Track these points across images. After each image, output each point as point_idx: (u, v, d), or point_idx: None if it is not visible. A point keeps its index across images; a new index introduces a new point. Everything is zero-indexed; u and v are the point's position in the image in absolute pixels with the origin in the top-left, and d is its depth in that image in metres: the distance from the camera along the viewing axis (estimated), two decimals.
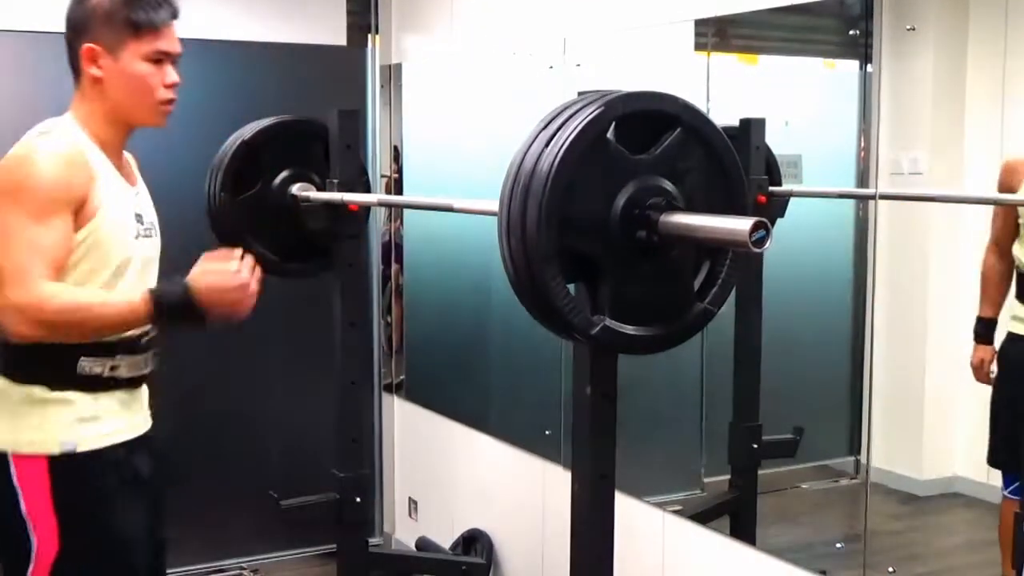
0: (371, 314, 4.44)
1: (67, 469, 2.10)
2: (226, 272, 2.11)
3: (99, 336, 2.12)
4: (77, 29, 2.18)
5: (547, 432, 3.50)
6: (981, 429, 2.50)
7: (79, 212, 2.08)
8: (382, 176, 4.42)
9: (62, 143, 2.10)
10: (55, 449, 2.09)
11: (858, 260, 2.65)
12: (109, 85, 2.17)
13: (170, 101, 2.22)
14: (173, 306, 2.08)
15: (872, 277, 2.52)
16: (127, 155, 2.31)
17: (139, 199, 2.27)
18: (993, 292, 2.45)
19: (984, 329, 2.44)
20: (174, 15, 2.21)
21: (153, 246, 2.30)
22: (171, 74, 2.21)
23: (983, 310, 2.45)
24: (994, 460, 2.45)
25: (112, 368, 2.16)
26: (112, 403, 2.17)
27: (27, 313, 2.01)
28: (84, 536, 2.12)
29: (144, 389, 2.30)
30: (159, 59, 2.18)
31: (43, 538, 2.09)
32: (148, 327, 2.17)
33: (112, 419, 2.17)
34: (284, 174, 3.15)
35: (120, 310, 2.08)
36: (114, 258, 2.13)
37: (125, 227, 2.17)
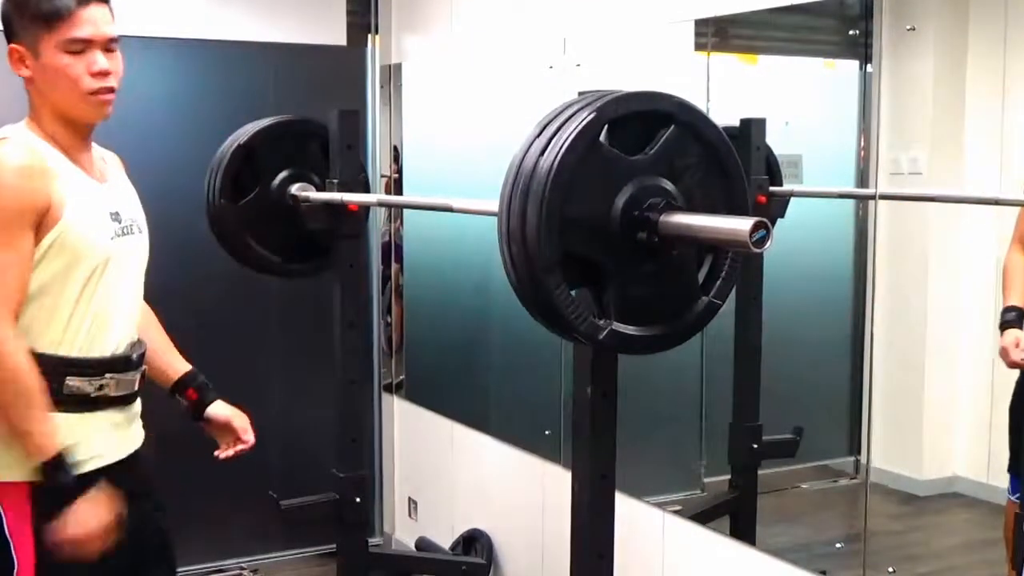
0: (371, 314, 4.44)
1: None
2: (94, 523, 2.06)
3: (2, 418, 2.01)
4: (4, 31, 2.09)
5: (547, 432, 3.50)
6: (981, 429, 2.50)
7: (43, 219, 2.00)
8: (382, 176, 4.42)
9: (18, 151, 2.01)
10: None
11: (858, 260, 2.64)
12: (39, 84, 2.06)
13: (105, 90, 2.07)
14: (54, 486, 2.03)
15: (872, 277, 2.52)
16: (104, 152, 2.24)
17: (113, 196, 2.17)
18: (1020, 285, 2.40)
19: (1014, 316, 2.34)
20: None
21: (136, 244, 2.21)
22: (97, 62, 2.04)
23: (1009, 300, 2.37)
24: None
25: (100, 387, 2.10)
26: (102, 424, 2.13)
27: None
28: (62, 558, 2.07)
29: (137, 403, 2.24)
30: (79, 49, 2.03)
31: (23, 557, 2.05)
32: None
33: (100, 442, 2.12)
34: (283, 174, 3.14)
35: (32, 428, 2.00)
36: (89, 259, 2.06)
37: (98, 227, 2.09)
